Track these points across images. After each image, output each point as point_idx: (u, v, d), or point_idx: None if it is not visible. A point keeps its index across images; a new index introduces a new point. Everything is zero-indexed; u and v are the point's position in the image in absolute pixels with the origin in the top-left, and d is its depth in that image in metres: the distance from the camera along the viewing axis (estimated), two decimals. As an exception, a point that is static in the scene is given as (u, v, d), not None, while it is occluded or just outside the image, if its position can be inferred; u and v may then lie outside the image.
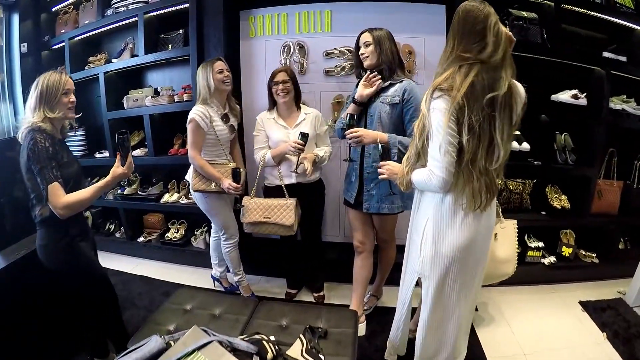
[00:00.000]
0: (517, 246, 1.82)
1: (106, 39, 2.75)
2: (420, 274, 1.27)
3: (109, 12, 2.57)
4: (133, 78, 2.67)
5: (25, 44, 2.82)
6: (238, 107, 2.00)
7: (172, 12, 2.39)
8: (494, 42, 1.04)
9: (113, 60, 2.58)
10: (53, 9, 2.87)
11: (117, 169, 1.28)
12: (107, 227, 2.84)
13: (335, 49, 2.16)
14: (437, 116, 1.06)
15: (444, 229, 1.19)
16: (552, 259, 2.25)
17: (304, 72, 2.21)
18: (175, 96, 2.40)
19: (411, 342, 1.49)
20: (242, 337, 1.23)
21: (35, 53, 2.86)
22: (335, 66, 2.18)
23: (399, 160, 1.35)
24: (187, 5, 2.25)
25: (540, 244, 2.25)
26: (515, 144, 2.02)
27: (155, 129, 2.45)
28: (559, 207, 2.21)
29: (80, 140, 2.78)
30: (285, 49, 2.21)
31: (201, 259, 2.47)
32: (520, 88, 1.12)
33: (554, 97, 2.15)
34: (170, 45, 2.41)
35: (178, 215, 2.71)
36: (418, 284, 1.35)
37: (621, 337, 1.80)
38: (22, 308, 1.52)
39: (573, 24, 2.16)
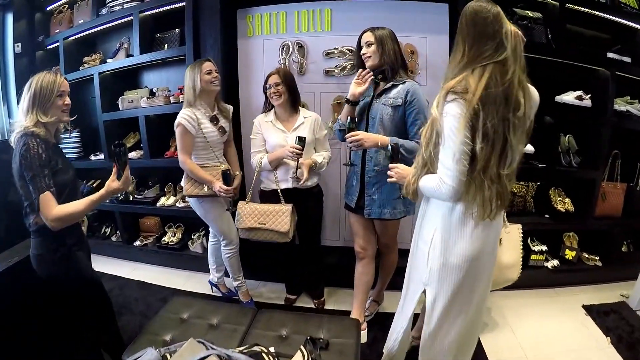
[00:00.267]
0: (521, 251, 1.76)
1: (101, 39, 2.67)
2: (427, 284, 1.20)
3: (104, 11, 2.48)
4: (128, 78, 2.58)
5: (20, 44, 2.74)
6: (230, 107, 1.92)
7: (168, 11, 2.31)
8: (506, 42, 0.99)
9: (108, 61, 2.49)
10: (47, 9, 2.79)
11: (112, 183, 1.18)
12: (102, 231, 2.76)
13: (335, 48, 2.08)
14: (450, 121, 0.99)
15: (453, 239, 1.12)
16: (556, 262, 2.19)
17: (304, 73, 2.13)
18: (171, 97, 2.32)
19: (412, 350, 1.44)
20: (240, 348, 1.17)
21: (30, 53, 2.78)
22: (336, 66, 2.11)
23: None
24: (184, 3, 2.17)
25: (544, 248, 2.19)
26: (519, 146, 1.96)
27: (151, 131, 2.37)
28: (563, 210, 2.15)
29: (75, 142, 2.69)
30: (284, 49, 2.13)
31: (198, 264, 2.39)
32: (533, 91, 1.07)
33: (558, 98, 2.09)
34: (166, 45, 2.33)
35: (175, 219, 2.62)
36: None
37: (625, 341, 1.75)
38: (13, 315, 1.44)
39: (577, 24, 2.11)
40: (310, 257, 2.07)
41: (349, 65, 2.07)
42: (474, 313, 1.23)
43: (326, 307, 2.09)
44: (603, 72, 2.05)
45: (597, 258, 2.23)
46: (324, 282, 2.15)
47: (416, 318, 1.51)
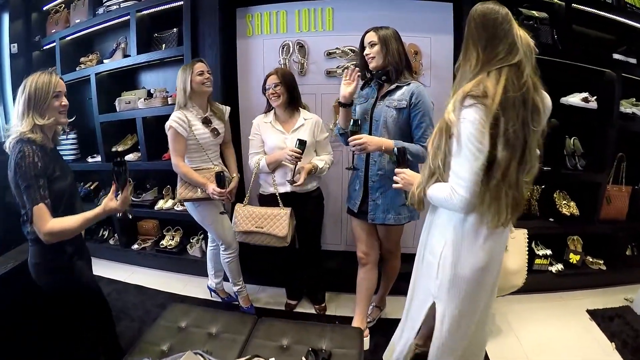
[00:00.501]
0: (527, 256, 1.70)
1: (98, 39, 2.58)
2: (436, 297, 1.13)
3: (101, 10, 2.39)
4: (126, 79, 2.49)
5: (16, 45, 2.65)
6: (226, 108, 1.85)
7: (165, 10, 2.21)
8: (518, 44, 0.94)
9: (105, 61, 2.40)
10: (44, 8, 2.69)
11: (110, 202, 1.11)
12: (100, 234, 2.67)
13: (337, 48, 2.00)
14: (467, 127, 0.91)
15: (465, 251, 1.05)
16: (560, 266, 2.12)
17: (304, 73, 2.05)
18: (169, 98, 2.22)
19: (415, 357, 1.39)
20: None
21: (26, 54, 2.70)
22: (337, 67, 2.02)
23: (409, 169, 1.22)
24: (181, 2, 2.08)
25: (548, 252, 2.12)
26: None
27: (148, 133, 2.28)
28: (568, 214, 2.08)
29: (71, 144, 2.60)
30: (285, 49, 2.04)
31: (197, 268, 2.31)
32: (546, 96, 1.00)
33: (563, 100, 2.01)
34: (164, 45, 2.24)
35: (173, 222, 2.53)
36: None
37: (630, 347, 1.70)
38: (9, 323, 1.39)
39: (582, 24, 2.03)
40: (311, 262, 1.99)
41: (351, 66, 1.97)
42: (481, 322, 1.18)
43: (328, 312, 2.01)
44: (609, 74, 1.98)
45: (601, 262, 2.17)
46: (325, 287, 2.07)
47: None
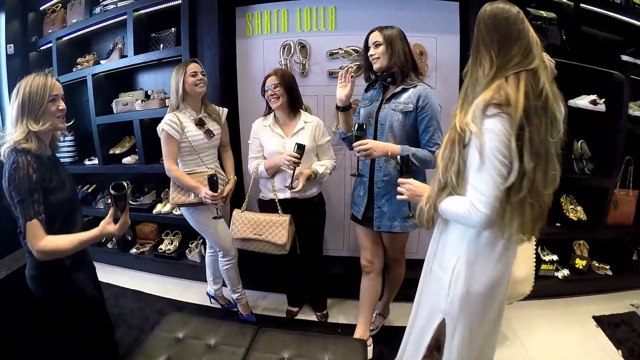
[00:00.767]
0: (534, 264, 1.60)
1: (95, 39, 2.45)
2: (446, 314, 1.02)
3: (97, 10, 2.27)
4: (123, 80, 2.37)
5: (12, 45, 2.53)
6: (223, 110, 1.74)
7: (163, 9, 2.09)
8: (533, 46, 0.85)
9: (101, 62, 2.27)
10: (41, 8, 2.56)
11: (108, 225, 1.02)
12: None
13: (340, 48, 1.88)
14: (491, 140, 0.81)
15: (479, 267, 0.95)
16: (566, 272, 2.02)
17: (306, 74, 1.93)
18: (166, 100, 2.10)
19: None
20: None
21: (23, 54, 2.57)
22: (340, 67, 1.90)
23: (414, 176, 1.11)
24: (179, 1, 1.96)
25: (554, 257, 2.02)
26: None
27: (146, 135, 2.15)
28: (575, 219, 1.98)
29: (69, 147, 2.48)
30: (286, 49, 1.93)
31: (196, 273, 2.19)
32: (563, 106, 0.91)
33: (571, 102, 1.90)
34: (161, 45, 2.11)
35: (172, 226, 2.41)
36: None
37: (636, 354, 1.62)
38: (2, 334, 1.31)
39: (590, 25, 1.92)
40: (312, 268, 1.87)
41: (355, 67, 1.86)
42: (491, 335, 1.09)
43: (330, 320, 1.90)
44: (617, 76, 1.87)
45: (607, 267, 2.07)
46: (327, 293, 1.96)
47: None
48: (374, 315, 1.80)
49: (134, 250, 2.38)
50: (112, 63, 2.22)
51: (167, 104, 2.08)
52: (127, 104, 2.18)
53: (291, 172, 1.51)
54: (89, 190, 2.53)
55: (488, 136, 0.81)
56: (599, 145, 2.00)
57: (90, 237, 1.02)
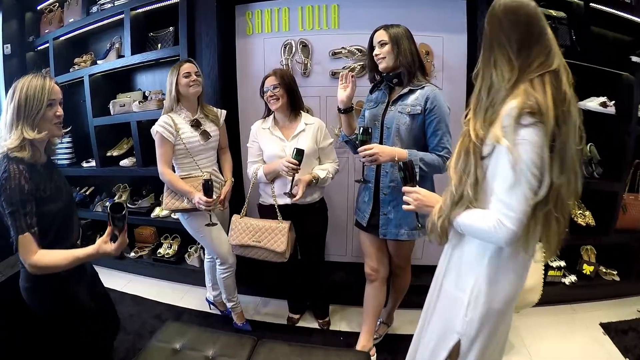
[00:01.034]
0: (543, 271, 1.51)
1: (93, 39, 2.33)
2: (462, 335, 0.91)
3: (94, 9, 2.14)
4: (121, 80, 2.25)
5: (9, 45, 2.41)
6: (221, 111, 1.63)
7: (161, 8, 1.97)
8: (553, 42, 0.75)
9: (98, 62, 2.15)
10: (38, 8, 2.44)
11: (105, 245, 0.94)
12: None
13: (343, 48, 1.76)
14: (528, 152, 0.71)
15: (501, 284, 0.85)
16: (573, 278, 1.91)
17: (308, 74, 1.81)
18: (164, 101, 1.98)
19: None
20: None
21: (20, 54, 2.45)
22: (343, 67, 1.78)
23: (421, 182, 1.01)
24: (177, -1, 1.84)
25: (562, 263, 1.91)
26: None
27: (143, 137, 2.02)
28: (584, 224, 1.87)
29: (67, 148, 2.36)
30: (287, 48, 1.81)
31: (195, 278, 2.08)
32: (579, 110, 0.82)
33: (581, 104, 1.77)
34: (159, 45, 1.99)
35: (171, 230, 2.29)
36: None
37: None
38: None
39: (599, 25, 1.81)
40: (313, 274, 1.76)
41: (359, 67, 1.75)
42: (500, 345, 1.00)
43: (332, 327, 1.79)
44: (627, 77, 1.76)
45: (614, 272, 1.97)
46: (329, 300, 1.84)
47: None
48: (378, 323, 1.69)
49: (132, 254, 2.27)
50: (109, 63, 2.10)
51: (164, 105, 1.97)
52: (124, 105, 2.06)
53: (290, 178, 1.40)
54: (87, 193, 2.41)
55: (524, 148, 0.71)
56: (609, 149, 1.89)
57: (86, 254, 0.95)
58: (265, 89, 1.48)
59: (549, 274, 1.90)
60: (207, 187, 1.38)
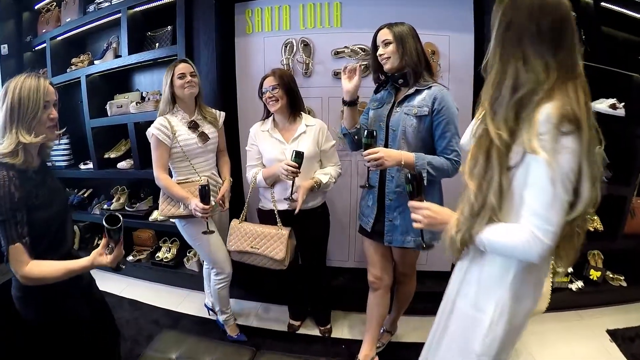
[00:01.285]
0: (551, 279, 1.42)
1: (90, 38, 2.23)
2: (482, 355, 0.82)
3: (91, 8, 2.04)
4: (119, 81, 2.15)
5: (6, 46, 2.32)
6: (220, 113, 1.53)
7: (159, 7, 1.87)
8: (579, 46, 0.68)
9: (95, 62, 2.05)
10: (35, 7, 2.34)
11: (100, 257, 0.89)
12: (95, 243, 2.34)
13: (345, 47, 1.66)
14: (569, 161, 0.63)
15: (524, 301, 0.77)
16: (580, 283, 1.82)
17: (309, 74, 1.71)
18: (160, 102, 1.88)
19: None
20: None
21: (17, 55, 2.36)
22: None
23: (429, 187, 0.93)
24: (175, -3, 1.74)
25: (569, 269, 1.82)
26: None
27: (141, 139, 1.92)
28: (592, 229, 1.78)
29: (64, 150, 2.26)
30: (288, 48, 1.71)
31: (194, 282, 1.98)
32: None
33: (590, 106, 1.69)
34: (157, 44, 1.89)
35: (169, 233, 2.20)
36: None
37: None
38: None
39: (609, 25, 1.71)
40: (314, 281, 1.67)
41: (363, 67, 1.65)
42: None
43: (333, 334, 1.69)
44: (638, 79, 1.67)
45: (622, 278, 1.88)
46: (331, 306, 1.75)
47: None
48: (381, 331, 1.60)
49: (130, 258, 2.17)
50: (106, 63, 2.01)
51: (162, 106, 1.88)
52: (121, 106, 1.96)
53: (290, 181, 1.30)
54: (85, 195, 2.31)
55: (565, 157, 0.62)
56: (618, 152, 1.79)
57: (80, 266, 0.90)
58: (263, 90, 1.38)
59: (555, 280, 1.81)
60: (204, 193, 1.28)
